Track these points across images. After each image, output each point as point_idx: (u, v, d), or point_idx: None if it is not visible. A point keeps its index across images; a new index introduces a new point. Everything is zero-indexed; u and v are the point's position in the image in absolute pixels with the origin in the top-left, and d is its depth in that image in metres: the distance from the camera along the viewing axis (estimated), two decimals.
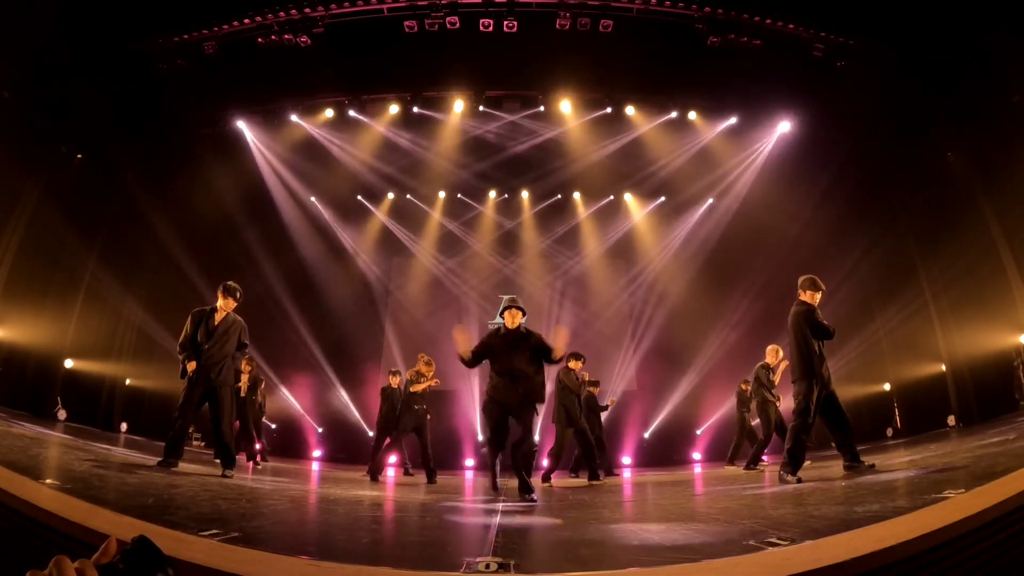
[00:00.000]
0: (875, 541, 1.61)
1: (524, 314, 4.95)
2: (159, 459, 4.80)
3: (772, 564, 1.82)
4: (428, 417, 7.19)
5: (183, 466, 4.92)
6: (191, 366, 4.93)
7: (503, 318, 4.93)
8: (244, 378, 7.88)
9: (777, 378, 7.31)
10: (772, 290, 10.09)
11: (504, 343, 4.83)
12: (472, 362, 4.84)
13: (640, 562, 2.15)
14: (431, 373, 7.03)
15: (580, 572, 1.94)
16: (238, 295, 5.17)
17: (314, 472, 7.89)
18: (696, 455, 11.38)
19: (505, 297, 5.25)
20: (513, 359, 4.75)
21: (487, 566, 1.96)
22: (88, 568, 0.74)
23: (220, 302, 5.12)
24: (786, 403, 6.83)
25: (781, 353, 7.56)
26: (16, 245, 7.99)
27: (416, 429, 7.00)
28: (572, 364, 7.01)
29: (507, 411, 4.76)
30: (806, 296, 5.07)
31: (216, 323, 5.08)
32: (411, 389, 6.95)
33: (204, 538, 2.12)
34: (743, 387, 8.27)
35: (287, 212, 11.89)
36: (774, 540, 2.17)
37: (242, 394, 7.83)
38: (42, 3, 7.29)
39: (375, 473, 6.78)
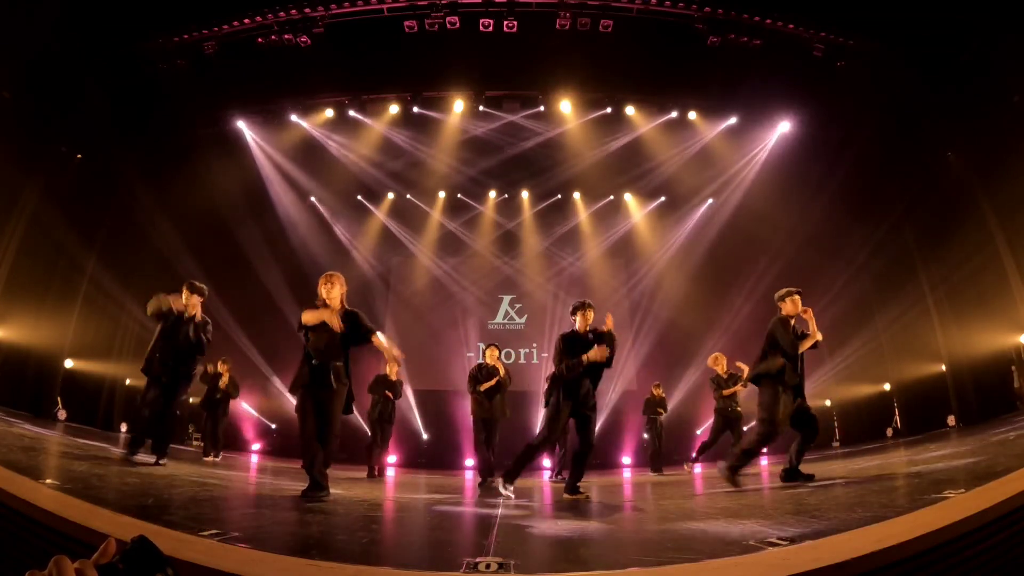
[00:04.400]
0: (875, 541, 1.61)
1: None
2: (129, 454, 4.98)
3: (772, 564, 1.82)
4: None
5: (183, 466, 4.92)
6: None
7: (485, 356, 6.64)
8: (224, 379, 8.16)
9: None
10: (773, 290, 10.03)
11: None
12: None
13: (640, 562, 2.15)
14: (336, 294, 4.09)
15: (580, 572, 1.94)
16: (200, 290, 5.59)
17: None
18: (696, 455, 11.35)
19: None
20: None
21: (487, 566, 1.96)
22: (88, 568, 0.74)
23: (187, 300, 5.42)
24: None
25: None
26: (16, 245, 7.98)
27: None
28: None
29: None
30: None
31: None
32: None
33: (204, 538, 2.12)
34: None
35: (287, 212, 11.88)
36: (774, 540, 2.17)
37: (218, 396, 8.08)
38: (42, 3, 7.28)
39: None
